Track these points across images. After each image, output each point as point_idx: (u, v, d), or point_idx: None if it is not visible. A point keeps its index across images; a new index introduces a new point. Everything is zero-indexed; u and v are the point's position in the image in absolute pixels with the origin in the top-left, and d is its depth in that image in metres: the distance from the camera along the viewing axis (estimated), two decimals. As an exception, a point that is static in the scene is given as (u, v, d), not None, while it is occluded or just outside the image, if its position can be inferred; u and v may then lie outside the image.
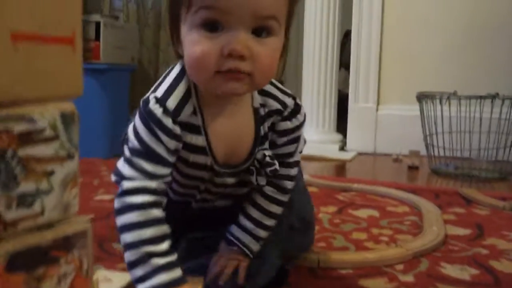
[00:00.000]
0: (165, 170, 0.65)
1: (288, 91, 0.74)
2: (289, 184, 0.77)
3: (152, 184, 0.64)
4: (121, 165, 0.65)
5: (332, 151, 2.24)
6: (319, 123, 2.34)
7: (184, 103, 0.66)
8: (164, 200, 0.66)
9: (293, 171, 0.77)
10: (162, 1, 2.81)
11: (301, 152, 0.79)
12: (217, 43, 0.60)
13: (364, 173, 1.88)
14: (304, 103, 2.37)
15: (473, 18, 2.20)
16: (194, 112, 0.67)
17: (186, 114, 0.66)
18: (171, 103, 0.65)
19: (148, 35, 2.82)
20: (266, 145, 0.73)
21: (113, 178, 0.66)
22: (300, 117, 0.73)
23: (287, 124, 0.72)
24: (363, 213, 1.29)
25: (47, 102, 0.34)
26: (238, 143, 0.71)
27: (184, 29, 0.63)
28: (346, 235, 1.09)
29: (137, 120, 0.65)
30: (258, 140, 0.72)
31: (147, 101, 0.65)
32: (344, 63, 2.85)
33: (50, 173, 0.35)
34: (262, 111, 0.71)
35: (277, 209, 0.77)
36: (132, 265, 0.61)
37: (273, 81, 0.71)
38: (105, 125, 2.06)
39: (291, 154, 0.76)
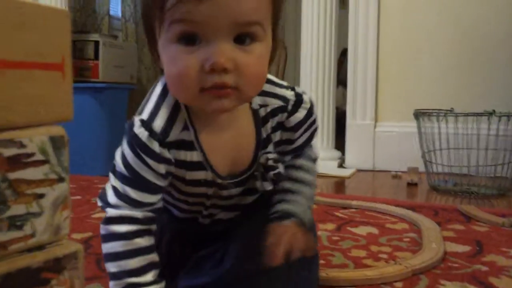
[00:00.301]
0: (152, 198, 0.62)
1: (285, 83, 0.69)
2: (314, 154, 0.76)
3: (138, 213, 0.61)
4: (107, 192, 0.62)
5: (331, 168, 2.24)
6: (317, 140, 2.34)
7: (172, 121, 0.61)
8: (152, 227, 0.63)
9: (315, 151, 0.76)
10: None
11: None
12: (196, 57, 0.54)
13: (363, 190, 1.88)
14: (302, 121, 2.38)
15: (468, 35, 2.22)
16: (185, 127, 0.62)
17: (176, 132, 0.61)
18: (158, 124, 0.60)
19: (147, 53, 2.84)
20: (270, 147, 0.68)
21: (98, 203, 0.63)
22: (305, 105, 0.68)
23: (297, 117, 0.68)
24: (362, 230, 1.28)
25: (37, 127, 0.35)
26: (239, 151, 0.67)
27: (160, 45, 0.58)
28: (345, 252, 1.09)
29: (124, 144, 0.61)
30: (260, 143, 0.67)
31: (132, 124, 0.60)
32: (341, 81, 2.87)
33: (40, 196, 0.35)
34: (262, 112, 0.66)
35: (310, 177, 0.74)
36: None
37: (268, 76, 0.65)
38: (103, 143, 2.07)
39: (310, 139, 0.73)
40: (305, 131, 0.71)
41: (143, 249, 0.61)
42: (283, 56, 2.87)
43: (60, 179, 0.36)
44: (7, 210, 0.33)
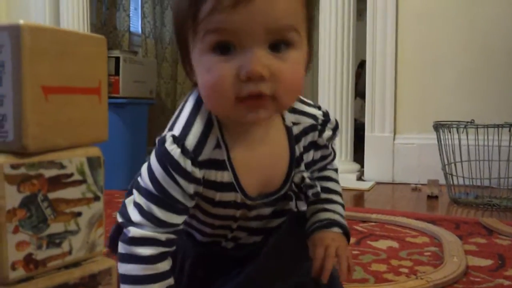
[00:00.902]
0: (178, 219, 0.60)
1: (311, 102, 0.69)
2: (335, 164, 0.76)
3: (162, 235, 0.59)
4: (130, 208, 0.60)
5: (350, 180, 2.23)
6: (336, 153, 2.34)
7: (205, 138, 0.59)
8: (172, 249, 0.61)
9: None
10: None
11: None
12: (232, 66, 0.53)
13: (383, 203, 1.87)
14: (320, 133, 2.39)
15: (488, 46, 2.21)
16: (217, 145, 0.60)
17: (208, 151, 0.59)
18: (191, 141, 0.58)
19: (166, 69, 2.89)
20: (302, 166, 0.66)
21: (119, 219, 0.62)
22: (331, 124, 0.68)
23: (327, 134, 0.68)
24: (382, 244, 1.28)
25: (75, 148, 0.37)
26: (272, 169, 0.64)
27: (195, 56, 0.57)
28: (365, 267, 1.08)
29: (152, 160, 0.59)
30: (294, 162, 0.65)
31: (163, 140, 0.58)
32: (359, 93, 2.87)
33: (78, 214, 0.37)
34: (295, 130, 0.65)
35: (339, 187, 0.75)
36: None
37: (301, 104, 0.66)
38: (125, 157, 2.10)
39: (329, 160, 0.73)
40: (326, 147, 0.70)
41: (163, 274, 0.59)
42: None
43: (96, 198, 0.38)
44: (47, 228, 0.35)
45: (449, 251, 1.16)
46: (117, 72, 2.21)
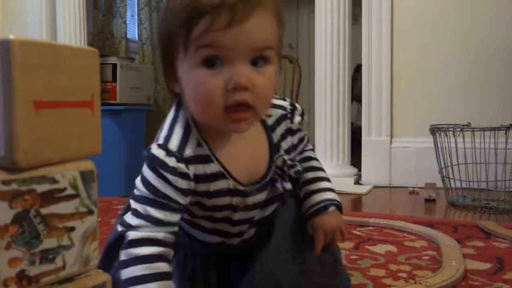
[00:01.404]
0: (173, 217, 0.64)
1: (277, 96, 0.77)
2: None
3: (159, 234, 0.63)
4: (129, 216, 0.65)
5: (347, 184, 2.24)
6: (333, 157, 2.35)
7: (186, 139, 0.66)
8: (171, 252, 0.65)
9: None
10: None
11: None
12: (220, 79, 0.61)
13: (381, 207, 1.87)
14: (317, 138, 2.39)
15: (483, 49, 2.22)
16: (199, 144, 0.67)
17: (191, 149, 0.66)
18: (173, 143, 0.65)
19: (163, 76, 2.89)
20: (282, 151, 0.74)
21: (119, 228, 0.65)
22: (299, 111, 0.77)
23: (297, 120, 0.76)
24: (380, 248, 1.27)
25: (68, 162, 0.36)
26: (255, 159, 0.72)
27: (183, 69, 0.64)
28: (364, 272, 1.08)
29: (144, 169, 0.65)
30: (273, 148, 0.73)
31: (149, 149, 0.65)
32: (355, 96, 2.87)
33: (71, 229, 0.36)
34: (270, 121, 0.74)
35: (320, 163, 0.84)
36: None
37: None
38: (122, 164, 2.10)
39: (304, 136, 0.81)
40: (300, 138, 0.80)
41: (163, 274, 0.62)
42: (297, 73, 2.89)
43: (90, 212, 0.38)
44: (39, 244, 0.35)
45: (447, 255, 1.16)
46: (114, 79, 2.21)
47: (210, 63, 0.61)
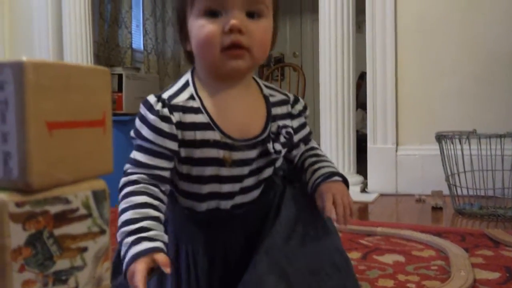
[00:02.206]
0: (156, 162, 0.72)
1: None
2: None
3: (143, 175, 0.71)
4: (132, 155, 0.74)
5: (353, 193, 2.22)
6: (339, 165, 2.34)
7: (179, 92, 0.75)
8: (160, 193, 0.72)
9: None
10: (180, 53, 2.91)
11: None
12: (219, 24, 0.71)
13: (387, 215, 1.86)
14: (323, 146, 2.39)
15: (489, 55, 2.21)
16: (191, 97, 0.75)
17: (181, 99, 0.74)
18: (167, 94, 0.74)
19: (168, 84, 2.89)
20: (278, 122, 0.80)
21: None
22: (301, 103, 0.84)
23: (298, 107, 0.83)
24: (388, 258, 1.27)
25: (80, 182, 0.36)
26: (249, 117, 0.78)
27: (190, 21, 0.74)
28: (372, 283, 1.08)
29: (137, 116, 0.75)
30: (270, 117, 0.79)
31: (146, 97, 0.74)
32: (360, 103, 2.87)
33: (84, 250, 0.36)
34: (271, 99, 0.81)
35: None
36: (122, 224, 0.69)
37: (272, 86, 0.84)
38: (128, 174, 2.09)
39: (309, 135, 0.87)
40: (301, 126, 0.85)
41: (140, 205, 0.69)
42: (302, 81, 2.89)
43: (102, 232, 0.38)
44: (53, 266, 0.34)
45: (456, 265, 1.15)
46: (120, 89, 2.22)
47: (211, 13, 0.71)
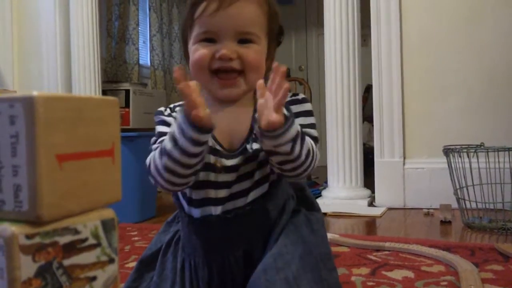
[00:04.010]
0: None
1: None
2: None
3: None
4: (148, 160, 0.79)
5: (361, 207, 2.22)
6: (346, 179, 2.34)
7: (182, 102, 0.81)
8: None
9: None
10: (186, 68, 2.93)
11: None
12: (210, 50, 0.78)
13: (395, 229, 1.85)
14: (329, 159, 2.39)
15: (495, 68, 2.21)
16: None
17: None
18: (173, 104, 0.86)
19: (175, 99, 2.92)
20: None
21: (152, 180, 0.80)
22: (300, 95, 0.86)
23: (294, 99, 0.84)
24: (397, 274, 1.26)
25: (89, 212, 0.37)
26: (237, 125, 0.81)
27: (190, 45, 0.82)
28: (381, 300, 1.07)
29: None
30: (255, 119, 0.79)
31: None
32: (366, 117, 2.87)
33: (93, 279, 0.37)
34: None
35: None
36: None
37: None
38: (136, 190, 2.10)
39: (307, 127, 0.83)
40: (302, 114, 0.83)
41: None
42: (308, 95, 2.90)
43: (111, 260, 0.38)
44: (63, 295, 0.35)
45: (466, 280, 1.14)
46: (127, 104, 2.24)
47: (207, 40, 0.78)
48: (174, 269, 0.84)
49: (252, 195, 0.81)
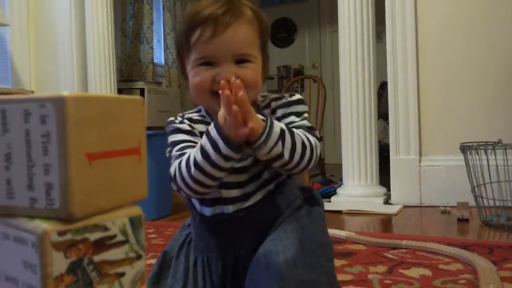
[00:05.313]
0: (190, 137, 0.83)
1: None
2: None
3: (188, 144, 0.82)
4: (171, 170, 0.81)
5: (377, 205, 2.21)
6: (361, 177, 2.33)
7: (193, 113, 0.89)
8: None
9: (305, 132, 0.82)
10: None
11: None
12: (211, 73, 0.80)
13: (412, 227, 1.85)
14: (344, 157, 2.38)
15: (511, 64, 2.19)
16: (203, 116, 0.87)
17: (195, 117, 0.87)
18: (182, 114, 0.89)
19: (189, 98, 2.93)
20: None
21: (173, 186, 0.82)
22: (296, 96, 0.88)
23: (291, 98, 0.87)
24: (414, 272, 1.25)
25: (118, 209, 0.38)
26: None
27: (188, 68, 0.84)
28: (399, 298, 1.07)
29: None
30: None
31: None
32: (381, 113, 2.86)
33: (121, 275, 0.37)
34: (262, 103, 0.88)
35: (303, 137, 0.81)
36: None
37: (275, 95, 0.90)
38: (152, 188, 2.10)
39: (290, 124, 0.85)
40: (296, 114, 0.86)
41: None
42: (322, 92, 2.89)
43: (138, 257, 0.39)
44: (92, 291, 0.36)
45: (484, 279, 1.14)
46: (141, 103, 2.25)
47: (205, 63, 0.81)
48: (187, 269, 0.87)
49: (261, 194, 0.84)
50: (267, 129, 0.74)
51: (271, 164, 0.79)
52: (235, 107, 0.70)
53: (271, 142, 0.74)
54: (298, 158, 0.77)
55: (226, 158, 0.73)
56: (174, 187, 0.81)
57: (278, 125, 0.76)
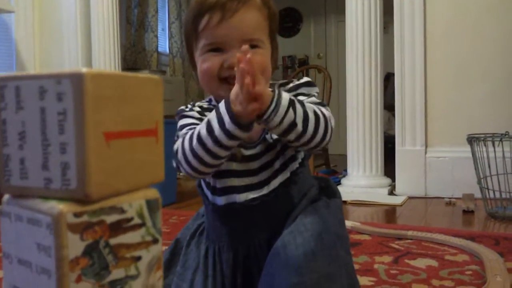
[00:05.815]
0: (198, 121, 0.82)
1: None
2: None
3: (197, 122, 0.81)
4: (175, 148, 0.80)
5: (381, 195, 2.21)
6: (366, 167, 2.32)
7: (203, 103, 0.89)
8: None
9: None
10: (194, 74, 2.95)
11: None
12: (219, 59, 0.80)
13: (417, 218, 1.84)
14: (350, 148, 2.37)
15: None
16: (213, 106, 0.84)
17: (205, 105, 0.87)
18: (192, 102, 0.89)
19: (193, 86, 2.91)
20: None
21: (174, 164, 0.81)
22: (301, 80, 0.87)
23: (291, 84, 0.86)
24: (420, 262, 1.25)
25: (135, 191, 0.37)
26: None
27: (197, 55, 0.83)
28: (405, 287, 1.06)
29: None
30: None
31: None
32: (386, 105, 2.84)
33: (138, 259, 0.36)
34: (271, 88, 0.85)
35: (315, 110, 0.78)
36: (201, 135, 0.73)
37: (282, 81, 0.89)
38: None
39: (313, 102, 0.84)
40: (305, 95, 0.84)
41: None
42: (328, 82, 2.88)
43: (155, 240, 0.38)
44: (108, 275, 0.35)
45: (491, 270, 1.13)
46: (146, 92, 2.24)
47: (213, 50, 0.80)
48: (197, 258, 0.86)
49: (274, 183, 0.82)
50: (276, 97, 0.71)
51: (285, 140, 0.76)
52: (247, 79, 0.67)
53: (282, 110, 0.71)
54: (312, 128, 0.74)
55: (229, 134, 0.71)
56: (174, 164, 0.79)
57: (287, 95, 0.73)
